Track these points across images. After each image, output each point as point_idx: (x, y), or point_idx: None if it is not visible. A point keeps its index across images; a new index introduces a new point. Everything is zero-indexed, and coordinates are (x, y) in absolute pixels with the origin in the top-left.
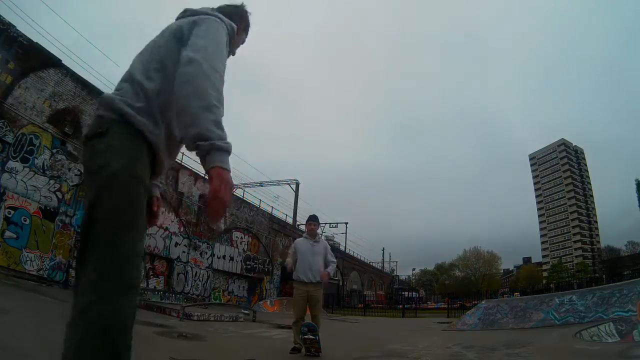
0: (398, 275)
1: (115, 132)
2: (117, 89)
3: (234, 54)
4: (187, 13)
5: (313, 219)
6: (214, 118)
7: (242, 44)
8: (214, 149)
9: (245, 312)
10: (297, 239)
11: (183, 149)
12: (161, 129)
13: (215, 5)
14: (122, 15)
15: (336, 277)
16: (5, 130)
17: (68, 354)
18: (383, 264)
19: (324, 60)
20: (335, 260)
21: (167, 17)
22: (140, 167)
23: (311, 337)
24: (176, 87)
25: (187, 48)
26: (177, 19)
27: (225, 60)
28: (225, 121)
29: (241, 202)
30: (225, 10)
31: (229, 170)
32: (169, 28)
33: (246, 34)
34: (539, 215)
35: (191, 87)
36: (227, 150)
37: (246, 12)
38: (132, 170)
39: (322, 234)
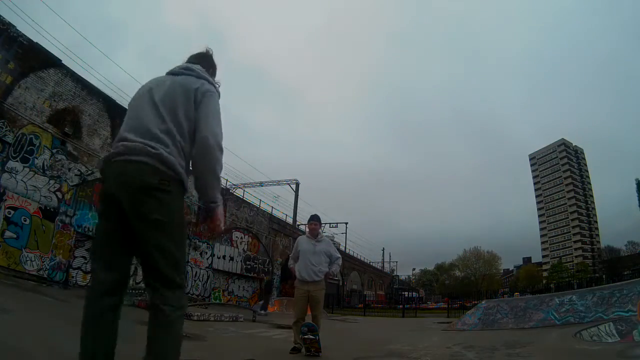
0: (398, 275)
1: (176, 192)
2: (160, 141)
3: None
4: (192, 73)
5: (314, 219)
6: (219, 186)
7: None
8: (217, 206)
9: (263, 312)
10: (300, 237)
11: None
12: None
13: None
14: (121, 13)
15: (336, 277)
16: (5, 130)
17: (157, 337)
18: (383, 264)
19: (325, 59)
20: (339, 256)
21: (166, 15)
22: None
23: (311, 337)
24: (195, 159)
25: (201, 121)
26: (178, 74)
27: (221, 123)
28: (225, 121)
29: (241, 202)
30: (204, 64)
31: (222, 212)
32: (181, 85)
33: (215, 75)
34: (539, 215)
35: (206, 164)
36: (220, 200)
37: (211, 56)
38: (185, 222)
39: (322, 234)
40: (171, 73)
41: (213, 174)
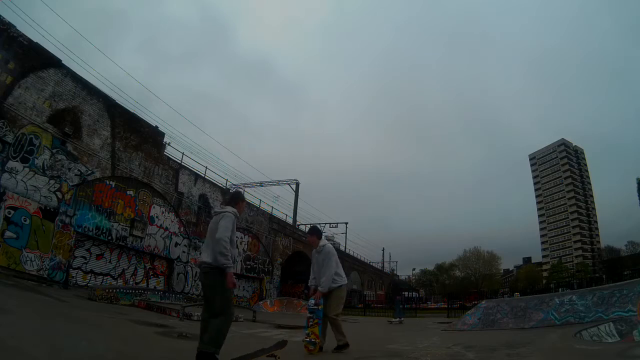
0: (398, 275)
1: (214, 273)
2: (205, 261)
3: (240, 213)
4: (220, 212)
5: (309, 232)
6: (226, 255)
7: (244, 208)
8: (227, 269)
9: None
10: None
11: (182, 146)
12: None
13: None
14: (121, 3)
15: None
16: (5, 130)
17: (212, 332)
18: (383, 264)
19: (325, 56)
20: (332, 272)
21: (167, 4)
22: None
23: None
24: (214, 245)
25: (218, 229)
26: (215, 214)
27: (232, 228)
28: (226, 120)
29: None
30: (230, 202)
31: (231, 273)
32: (214, 222)
33: (243, 201)
34: (539, 215)
35: (219, 247)
36: (230, 267)
37: (236, 196)
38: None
39: (323, 244)
40: (215, 213)
41: (221, 251)
